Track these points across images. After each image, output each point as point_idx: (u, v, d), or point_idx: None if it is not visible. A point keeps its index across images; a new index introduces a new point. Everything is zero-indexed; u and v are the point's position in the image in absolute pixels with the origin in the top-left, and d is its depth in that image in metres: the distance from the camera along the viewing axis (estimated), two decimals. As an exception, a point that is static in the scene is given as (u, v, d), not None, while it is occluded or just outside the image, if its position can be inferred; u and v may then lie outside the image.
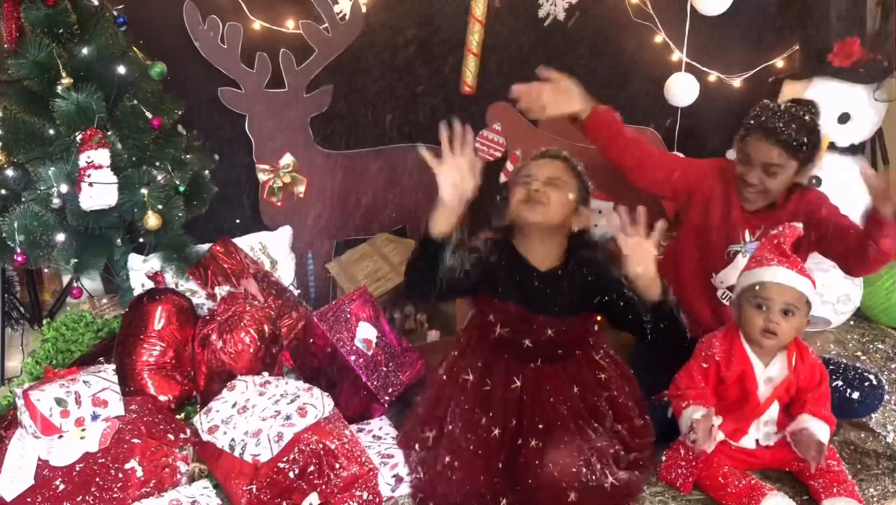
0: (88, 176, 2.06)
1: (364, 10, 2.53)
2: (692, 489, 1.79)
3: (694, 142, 2.83)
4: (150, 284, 2.30)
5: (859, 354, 2.48)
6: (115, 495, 1.63)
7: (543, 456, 1.69)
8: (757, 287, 1.76)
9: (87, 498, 1.62)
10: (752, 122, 1.99)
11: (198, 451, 1.78)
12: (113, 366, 1.93)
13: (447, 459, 1.74)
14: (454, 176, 1.61)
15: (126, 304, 2.23)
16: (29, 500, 1.62)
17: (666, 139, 2.76)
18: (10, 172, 2.17)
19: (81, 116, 2.07)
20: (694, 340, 1.88)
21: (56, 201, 2.11)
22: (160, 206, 2.19)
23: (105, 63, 2.14)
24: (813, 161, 1.98)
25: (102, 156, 2.07)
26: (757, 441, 1.82)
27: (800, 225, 1.85)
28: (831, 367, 1.98)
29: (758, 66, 2.79)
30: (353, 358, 2.00)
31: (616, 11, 2.71)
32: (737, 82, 2.80)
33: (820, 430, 1.72)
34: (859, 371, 2.01)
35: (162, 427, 1.81)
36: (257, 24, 2.49)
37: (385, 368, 2.06)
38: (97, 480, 1.64)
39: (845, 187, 2.49)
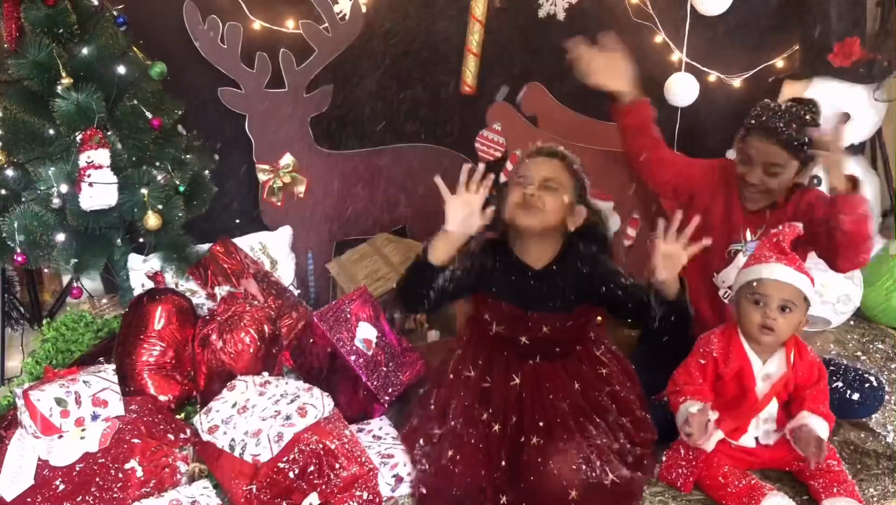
0: (88, 176, 2.06)
1: (364, 10, 2.53)
2: (692, 489, 1.79)
3: (694, 142, 2.83)
4: (150, 284, 2.30)
5: (859, 354, 2.48)
6: (115, 495, 1.63)
7: (544, 454, 1.69)
8: (755, 283, 1.76)
9: (87, 498, 1.62)
10: (752, 121, 1.99)
11: (198, 451, 1.78)
12: (113, 366, 1.93)
13: (450, 453, 1.75)
14: (463, 212, 1.65)
15: (126, 304, 2.23)
16: (29, 500, 1.62)
17: (666, 139, 2.75)
18: (10, 172, 2.17)
19: (81, 116, 2.07)
20: (693, 338, 1.88)
21: (56, 201, 2.11)
22: (160, 206, 2.19)
23: (105, 63, 2.15)
24: (814, 160, 1.98)
25: (102, 156, 2.08)
26: (757, 440, 1.82)
27: (800, 224, 1.84)
28: (831, 368, 1.98)
29: (758, 66, 2.79)
30: (353, 358, 2.00)
31: (616, 11, 2.71)
32: (737, 82, 2.80)
33: (819, 426, 1.72)
34: (859, 372, 2.01)
35: (162, 427, 1.81)
36: (257, 24, 2.49)
37: (385, 368, 2.06)
38: (97, 480, 1.64)
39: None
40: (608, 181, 2.55)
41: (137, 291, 2.27)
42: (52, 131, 2.13)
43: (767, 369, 1.80)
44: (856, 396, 1.97)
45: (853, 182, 1.86)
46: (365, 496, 1.70)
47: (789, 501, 1.68)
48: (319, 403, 1.80)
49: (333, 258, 2.65)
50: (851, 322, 2.67)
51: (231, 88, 2.47)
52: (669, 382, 1.86)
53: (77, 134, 2.09)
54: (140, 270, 2.32)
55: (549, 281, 1.78)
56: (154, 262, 2.31)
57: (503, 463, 1.74)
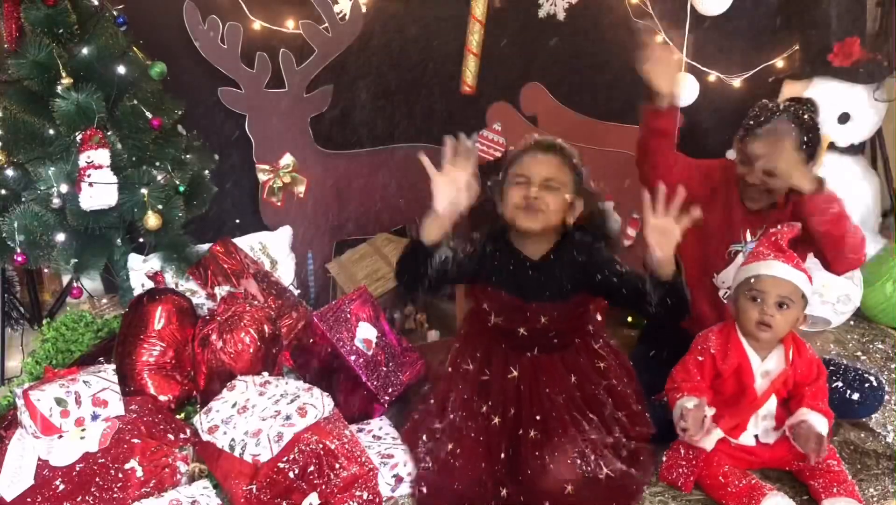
0: (88, 176, 2.06)
1: (364, 10, 2.53)
2: (692, 489, 1.79)
3: (694, 142, 2.83)
4: (150, 284, 2.30)
5: (859, 354, 2.48)
6: (115, 495, 1.63)
7: (541, 449, 1.71)
8: (752, 280, 1.77)
9: (87, 498, 1.62)
10: (751, 122, 1.99)
11: (198, 451, 1.78)
12: (113, 366, 1.93)
13: (450, 446, 1.75)
14: (450, 190, 1.62)
15: (126, 304, 2.23)
16: (29, 500, 1.62)
17: (666, 139, 2.76)
18: (10, 172, 2.17)
19: (81, 116, 2.07)
20: (692, 336, 1.88)
21: (56, 201, 2.11)
22: (160, 206, 2.19)
23: (105, 63, 2.15)
24: (813, 160, 1.98)
25: (102, 156, 2.08)
26: (756, 438, 1.83)
27: (798, 224, 1.85)
28: (831, 367, 1.99)
29: (758, 66, 2.79)
30: (353, 358, 2.00)
31: (616, 11, 2.71)
32: (737, 82, 2.80)
33: (819, 423, 1.72)
34: (859, 372, 2.02)
35: (162, 427, 1.81)
36: (257, 24, 2.49)
37: (385, 368, 2.06)
38: (97, 480, 1.64)
39: (845, 187, 2.48)
40: (608, 181, 2.55)
41: (137, 291, 2.27)
42: (52, 131, 2.13)
43: (766, 366, 1.81)
44: (856, 396, 1.97)
45: (819, 183, 1.86)
46: (365, 496, 1.70)
47: (789, 501, 1.68)
48: (319, 403, 1.80)
49: (333, 258, 2.65)
50: (851, 322, 2.67)
51: (231, 88, 2.47)
52: (668, 380, 1.86)
53: (77, 134, 2.09)
54: (140, 270, 2.32)
55: (546, 271, 1.78)
56: (154, 262, 2.31)
57: (503, 455, 1.75)
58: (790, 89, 2.66)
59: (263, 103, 2.51)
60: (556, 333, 1.82)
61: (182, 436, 1.82)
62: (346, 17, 2.49)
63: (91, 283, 2.48)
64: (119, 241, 2.28)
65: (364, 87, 2.67)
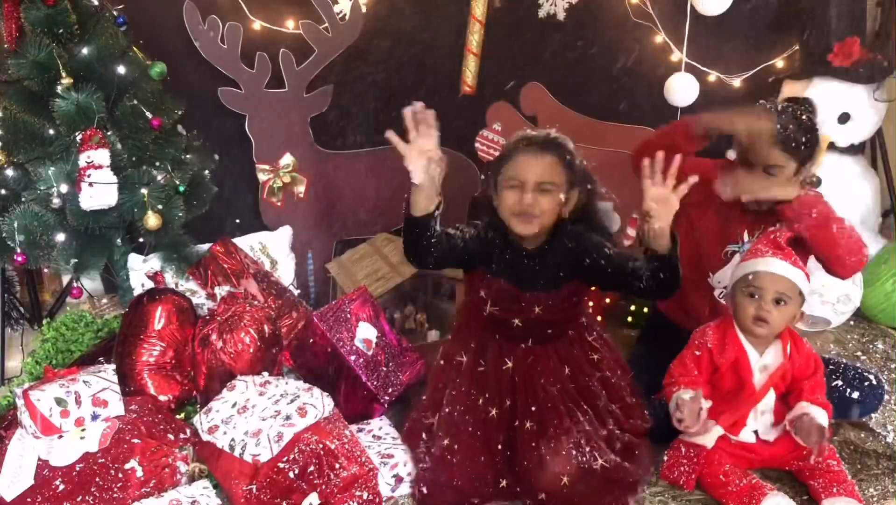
0: (88, 176, 2.06)
1: (364, 10, 2.53)
2: (693, 487, 1.79)
3: (694, 142, 2.83)
4: (150, 284, 2.30)
5: (859, 354, 2.48)
6: (115, 495, 1.63)
7: (536, 441, 1.72)
8: (750, 276, 1.78)
9: (87, 498, 1.62)
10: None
11: (198, 451, 1.78)
12: (113, 366, 1.93)
13: (445, 441, 1.76)
14: (422, 161, 1.61)
15: (126, 304, 2.23)
16: (29, 500, 1.62)
17: (666, 139, 2.76)
18: (10, 172, 2.17)
19: (81, 116, 2.07)
20: (688, 334, 1.89)
21: (56, 201, 2.11)
22: (160, 206, 2.19)
23: (105, 63, 2.15)
24: (812, 160, 1.98)
25: (102, 156, 2.08)
26: (756, 434, 1.83)
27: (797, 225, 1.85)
28: (831, 367, 1.99)
29: (758, 66, 2.79)
30: (353, 358, 2.00)
31: (616, 11, 2.71)
32: (737, 82, 2.80)
33: (819, 415, 1.73)
34: (859, 371, 2.02)
35: (162, 427, 1.81)
36: (257, 24, 2.50)
37: (385, 368, 2.06)
38: (97, 480, 1.64)
39: (845, 187, 2.49)
40: (608, 181, 2.55)
41: (137, 291, 2.27)
42: (52, 131, 2.13)
43: (764, 361, 1.81)
44: (855, 395, 1.97)
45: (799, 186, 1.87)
46: (365, 496, 1.70)
47: (789, 501, 1.68)
48: (319, 403, 1.80)
49: (333, 258, 2.65)
50: (851, 322, 2.66)
51: (231, 88, 2.47)
52: (666, 375, 1.87)
53: (77, 134, 2.09)
54: (140, 270, 2.32)
55: (541, 260, 1.79)
56: (154, 262, 2.31)
57: (500, 447, 1.76)
58: (790, 89, 2.66)
59: (263, 103, 2.51)
60: (549, 324, 1.82)
61: (182, 436, 1.82)
62: (346, 17, 2.49)
63: (91, 283, 2.48)
64: (119, 241, 2.28)
65: (364, 87, 2.67)
